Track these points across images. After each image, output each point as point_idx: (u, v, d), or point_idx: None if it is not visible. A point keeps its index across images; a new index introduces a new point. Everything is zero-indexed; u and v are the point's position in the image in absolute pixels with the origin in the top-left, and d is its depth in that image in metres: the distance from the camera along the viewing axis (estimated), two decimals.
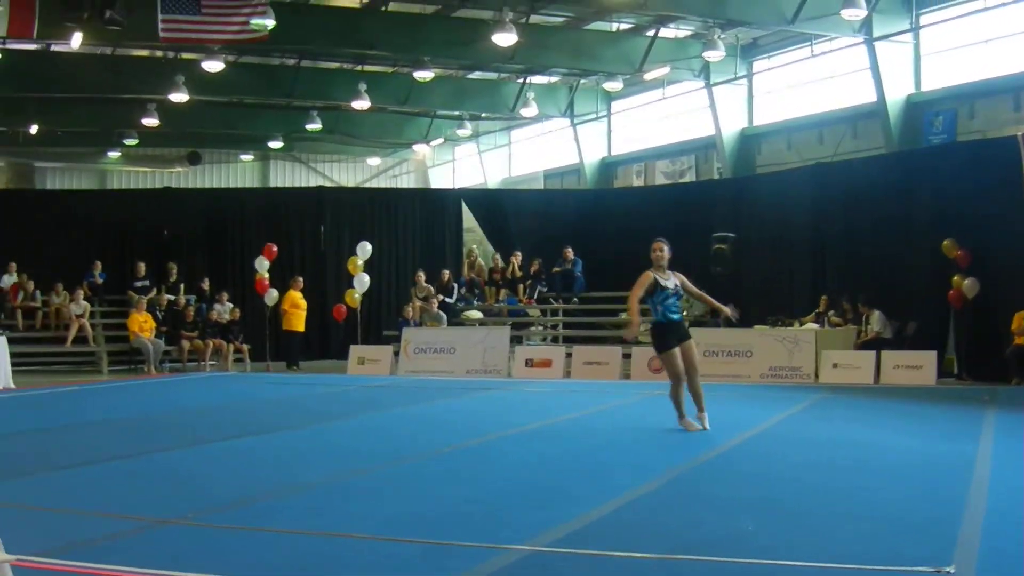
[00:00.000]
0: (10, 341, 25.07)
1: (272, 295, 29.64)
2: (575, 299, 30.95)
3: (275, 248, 30.07)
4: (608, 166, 43.12)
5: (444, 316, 28.72)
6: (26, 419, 18.17)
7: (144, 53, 36.87)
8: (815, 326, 25.40)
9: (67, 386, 24.70)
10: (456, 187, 48.54)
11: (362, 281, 29.73)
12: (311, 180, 51.96)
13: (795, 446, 13.35)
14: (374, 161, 54.10)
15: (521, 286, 31.45)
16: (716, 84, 35.95)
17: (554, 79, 41.37)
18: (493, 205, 36.28)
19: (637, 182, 40.86)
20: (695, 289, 15.13)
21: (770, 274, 28.91)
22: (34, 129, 39.99)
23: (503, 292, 31.66)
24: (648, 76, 36.45)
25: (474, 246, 35.06)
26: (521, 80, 40.25)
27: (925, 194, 24.82)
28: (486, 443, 14.16)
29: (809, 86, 34.16)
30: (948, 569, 7.07)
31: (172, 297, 30.37)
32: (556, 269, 30.93)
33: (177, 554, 7.82)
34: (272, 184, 51.82)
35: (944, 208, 24.09)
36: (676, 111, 39.78)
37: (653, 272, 14.38)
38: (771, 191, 29.72)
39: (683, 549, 7.71)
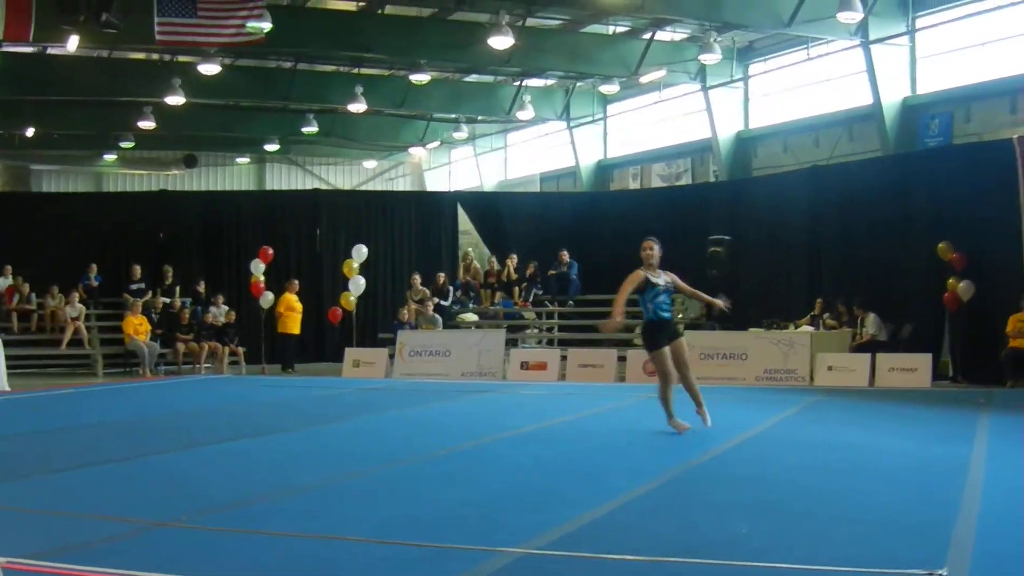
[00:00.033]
0: (5, 344, 25.05)
1: (267, 298, 29.61)
2: (571, 302, 30.96)
3: (271, 251, 30.04)
4: (604, 169, 43.16)
5: (439, 319, 28.72)
6: (21, 422, 18.17)
7: (140, 56, 36.89)
8: (810, 329, 25.41)
9: (62, 389, 24.67)
10: (452, 190, 48.55)
11: (357, 284, 29.71)
12: (307, 183, 51.96)
13: (790, 449, 13.36)
14: (370, 164, 54.15)
15: (517, 289, 31.47)
16: (712, 87, 36.00)
17: (550, 82, 41.43)
18: (489, 208, 36.30)
19: (633, 185, 40.91)
20: (687, 287, 15.14)
21: (766, 277, 28.89)
22: (30, 132, 40.00)
23: (499, 295, 31.68)
24: (644, 79, 36.50)
25: (470, 249, 35.05)
26: (517, 83, 40.30)
27: (921, 197, 24.83)
28: (481, 446, 14.16)
29: (805, 89, 34.17)
30: (941, 572, 7.07)
31: (167, 300, 30.34)
32: (552, 272, 30.95)
33: (172, 557, 7.83)
34: (268, 187, 51.84)
35: (940, 211, 24.09)
36: (672, 114, 39.84)
37: (644, 271, 14.36)
38: (767, 194, 29.73)
39: (677, 552, 7.73)
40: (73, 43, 26.57)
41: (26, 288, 29.84)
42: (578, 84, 40.98)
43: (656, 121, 40.67)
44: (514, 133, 48.79)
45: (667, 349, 14.39)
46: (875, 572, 7.20)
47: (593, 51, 35.05)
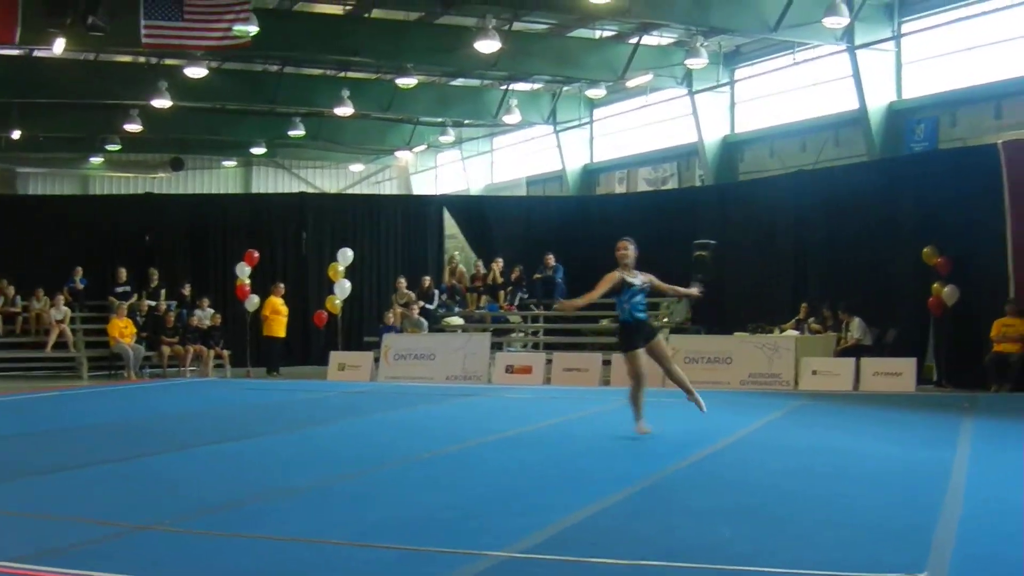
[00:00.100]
0: None
1: (253, 301, 29.56)
2: (556, 306, 30.94)
3: (256, 254, 30.01)
4: (590, 173, 43.21)
5: (425, 322, 28.70)
6: (5, 424, 18.09)
7: (127, 59, 36.86)
8: (795, 333, 25.44)
9: (47, 392, 24.60)
10: (438, 193, 48.46)
11: (343, 287, 29.71)
12: (294, 186, 51.86)
13: (773, 453, 13.37)
14: (356, 167, 54.15)
15: (502, 292, 31.50)
16: (699, 91, 36.09)
17: (537, 86, 41.47)
18: (475, 212, 36.31)
19: (619, 189, 40.96)
20: (662, 284, 14.98)
21: (751, 281, 28.86)
22: (16, 134, 39.93)
23: (484, 298, 31.69)
24: (631, 83, 36.58)
25: (456, 252, 35.06)
26: (504, 87, 40.37)
27: (906, 202, 24.87)
28: (465, 449, 14.15)
29: (791, 94, 34.28)
30: (921, 575, 7.11)
31: (153, 303, 30.30)
32: (537, 276, 30.93)
33: (156, 560, 7.83)
34: (254, 190, 51.75)
35: (925, 216, 24.14)
36: (659, 118, 39.89)
37: (620, 272, 14.31)
38: (753, 198, 29.80)
39: (659, 556, 7.73)
40: (59, 46, 26.54)
41: (11, 291, 29.74)
42: (565, 88, 41.03)
43: (642, 125, 40.72)
44: (500, 137, 48.81)
45: (641, 351, 14.37)
46: None
47: (580, 55, 35.11)
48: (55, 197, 43.49)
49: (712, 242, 28.28)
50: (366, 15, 32.24)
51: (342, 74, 38.78)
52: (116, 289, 30.29)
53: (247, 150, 47.69)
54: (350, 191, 52.82)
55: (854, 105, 30.54)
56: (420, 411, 19.76)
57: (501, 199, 42.48)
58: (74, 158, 48.20)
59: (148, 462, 13.00)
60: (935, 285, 23.38)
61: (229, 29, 25.81)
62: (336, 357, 27.89)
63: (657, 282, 14.77)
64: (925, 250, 23.38)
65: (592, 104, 42.01)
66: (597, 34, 35.34)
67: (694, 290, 15.72)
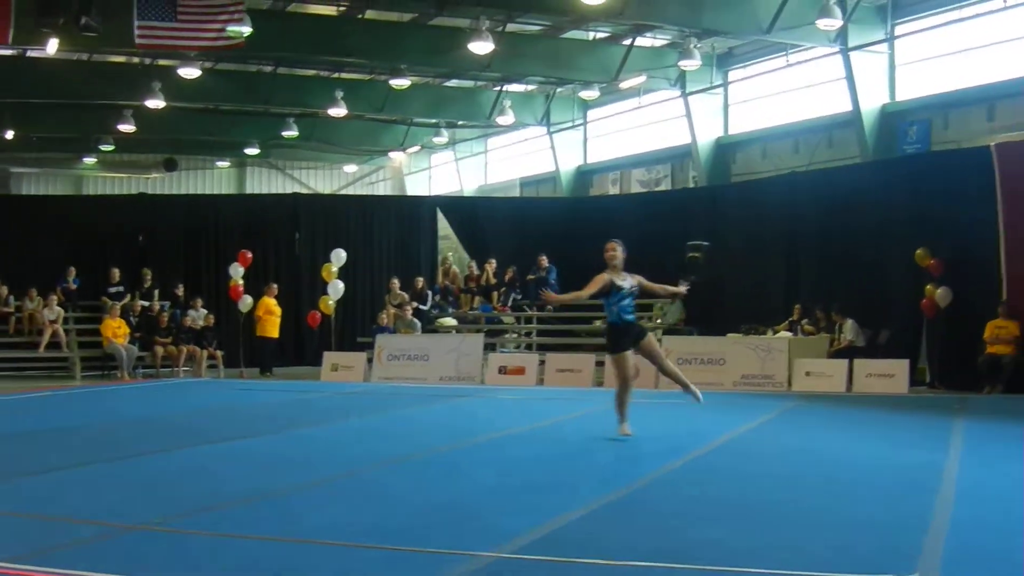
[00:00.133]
0: None
1: (246, 301, 29.54)
2: (549, 307, 30.94)
3: (249, 255, 29.98)
4: (584, 174, 43.24)
5: (418, 323, 28.71)
6: None
7: (120, 59, 36.85)
8: (788, 334, 25.45)
9: (39, 392, 24.57)
10: (432, 194, 48.57)
11: (336, 288, 29.69)
12: (287, 187, 51.92)
13: (765, 454, 13.39)
14: (350, 168, 54.16)
15: (495, 294, 31.48)
16: (692, 93, 36.12)
17: (530, 87, 41.51)
18: (468, 213, 36.32)
19: (613, 190, 40.99)
20: (652, 284, 14.92)
21: (744, 282, 28.88)
22: (10, 135, 39.89)
23: (478, 299, 31.69)
24: (624, 85, 36.59)
25: (449, 253, 35.08)
26: (498, 88, 40.40)
27: (899, 204, 24.84)
28: (457, 450, 14.16)
29: (784, 95, 34.32)
30: None
31: (146, 303, 30.27)
32: (530, 277, 30.88)
33: (144, 560, 7.83)
34: (248, 191, 51.80)
35: (918, 217, 24.11)
36: (652, 120, 39.96)
37: (608, 273, 14.23)
38: (746, 200, 29.80)
39: (650, 557, 7.72)
40: (53, 46, 26.54)
41: (4, 290, 29.66)
42: (558, 90, 41.03)
43: (636, 127, 40.78)
44: (494, 138, 48.85)
45: (630, 353, 14.34)
46: None
47: (573, 57, 35.14)
48: (48, 197, 43.55)
49: (705, 243, 28.43)
50: (360, 16, 32.30)
51: (336, 75, 38.80)
52: (109, 289, 30.25)
53: (241, 151, 47.71)
54: (344, 192, 52.86)
55: (847, 107, 30.57)
56: (412, 412, 19.76)
57: (495, 200, 42.50)
58: (67, 158, 48.19)
59: (139, 462, 13.00)
60: (928, 287, 23.39)
61: (222, 30, 25.79)
62: (329, 358, 27.87)
63: (646, 283, 14.69)
64: (918, 252, 23.38)
65: (586, 105, 42.03)
66: (590, 36, 35.39)
67: (682, 288, 15.62)
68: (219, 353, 29.27)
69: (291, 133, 42.16)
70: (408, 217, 35.39)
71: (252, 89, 38.27)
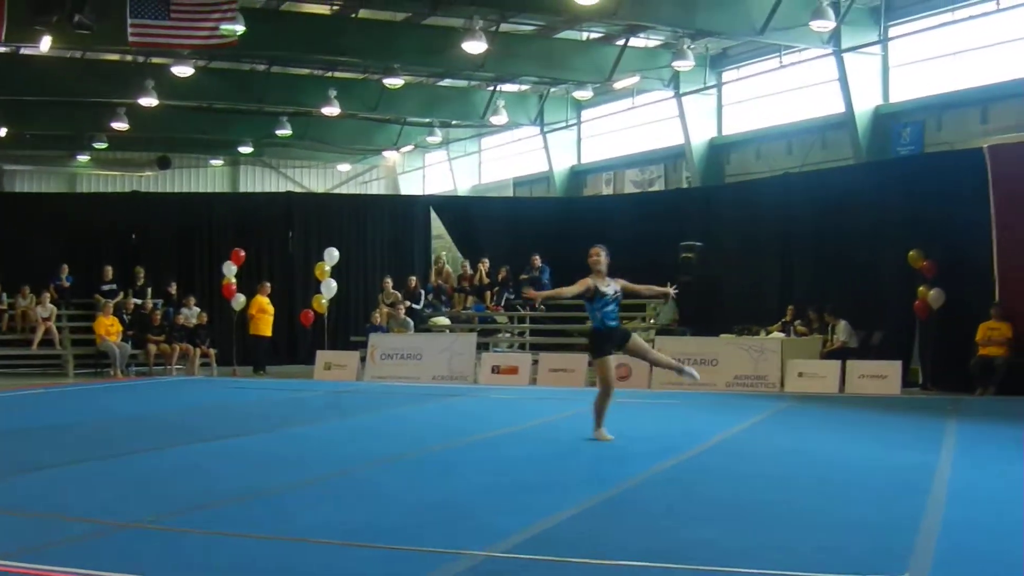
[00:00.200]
0: None
1: (239, 300, 29.53)
2: (542, 307, 30.93)
3: (242, 253, 29.98)
4: (577, 174, 43.26)
5: (411, 322, 28.69)
6: None
7: (114, 57, 36.81)
8: (781, 335, 25.45)
9: (32, 389, 24.58)
10: (426, 194, 48.56)
11: (329, 287, 29.70)
12: (281, 185, 51.86)
13: (758, 455, 13.39)
14: (344, 167, 54.14)
15: (488, 293, 31.49)
16: (685, 94, 36.13)
17: (524, 87, 41.50)
18: (462, 212, 36.36)
19: (606, 190, 41.00)
20: (634, 286, 14.83)
21: (737, 283, 28.95)
22: (3, 132, 39.79)
23: (471, 299, 31.67)
24: (618, 85, 36.65)
25: (442, 253, 35.07)
26: (491, 88, 40.38)
27: (892, 205, 24.85)
28: (450, 449, 14.15)
29: (778, 97, 34.32)
30: None
31: (139, 301, 30.28)
32: (524, 276, 30.83)
33: (137, 558, 7.82)
34: (242, 189, 51.71)
35: (911, 219, 24.13)
36: (645, 120, 39.95)
37: (592, 279, 14.12)
38: (739, 201, 29.83)
39: (642, 556, 7.73)
40: (46, 44, 26.48)
41: None
42: (552, 90, 41.05)
43: (629, 127, 40.77)
44: (488, 138, 48.83)
45: (612, 358, 14.30)
46: None
47: (567, 57, 35.15)
48: (42, 195, 43.43)
49: (698, 244, 28.62)
50: (353, 15, 32.28)
51: (329, 74, 38.79)
52: (102, 287, 30.28)
53: (234, 149, 47.64)
54: (337, 191, 52.85)
55: (840, 108, 30.62)
56: (405, 411, 19.76)
57: (488, 200, 42.56)
58: (61, 156, 48.08)
59: (132, 460, 13.01)
60: (921, 288, 23.40)
61: (216, 28, 25.76)
62: (322, 356, 27.87)
63: (629, 285, 14.59)
64: (911, 253, 23.40)
65: (579, 106, 42.05)
66: (584, 36, 35.39)
67: (670, 290, 15.58)
68: (212, 351, 29.28)
69: (285, 132, 42.11)
70: (401, 216, 35.44)
71: (246, 88, 38.23)
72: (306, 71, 39.32)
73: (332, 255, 29.85)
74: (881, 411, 18.86)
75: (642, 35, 34.48)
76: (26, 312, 29.42)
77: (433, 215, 35.63)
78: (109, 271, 30.56)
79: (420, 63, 35.44)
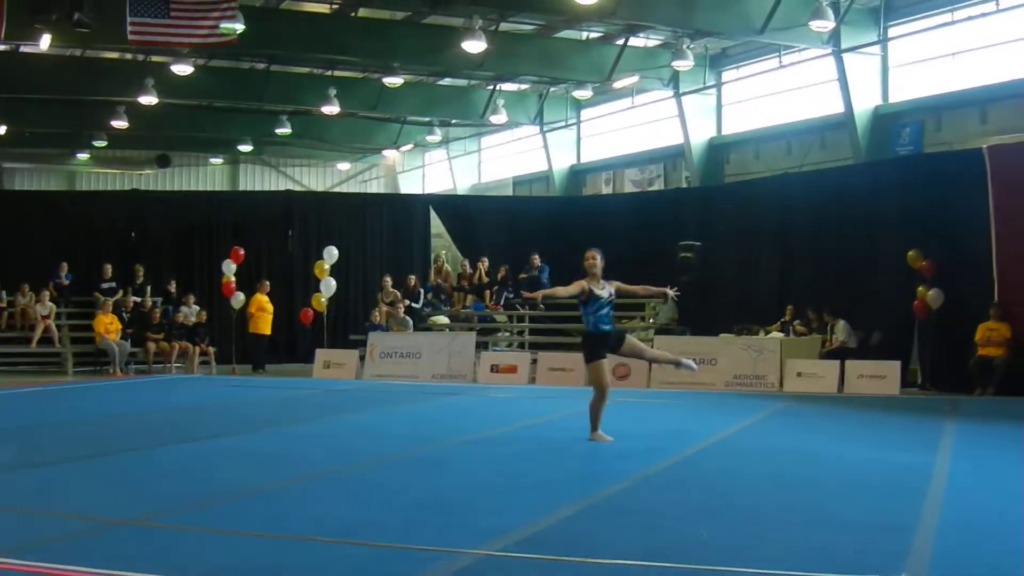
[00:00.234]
0: None
1: (239, 298, 29.55)
2: (541, 306, 30.89)
3: (242, 251, 30.01)
4: (577, 174, 43.24)
5: (410, 321, 28.68)
6: None
7: (114, 55, 36.78)
8: (780, 335, 25.45)
9: (31, 387, 24.59)
10: (425, 193, 48.57)
11: (329, 285, 29.71)
12: (280, 184, 51.80)
13: (756, 455, 13.38)
14: (343, 166, 54.10)
15: (488, 292, 31.48)
16: (685, 93, 36.11)
17: (524, 87, 41.47)
18: (461, 211, 36.39)
19: (606, 190, 41.00)
20: (628, 287, 14.74)
21: (736, 283, 28.96)
22: (2, 130, 39.74)
23: (470, 298, 31.67)
24: (617, 85, 36.64)
25: (442, 252, 35.08)
26: (491, 87, 40.35)
27: (891, 205, 24.87)
28: (446, 448, 14.17)
29: (777, 96, 34.29)
30: None
31: (138, 299, 30.29)
32: (523, 276, 30.83)
33: (133, 555, 7.82)
34: (241, 188, 51.63)
35: (910, 219, 24.17)
36: (645, 120, 39.91)
37: (587, 282, 14.01)
38: (739, 200, 29.83)
39: (639, 555, 7.73)
40: (45, 42, 26.52)
41: None
42: (551, 89, 41.03)
43: (629, 127, 40.74)
44: (487, 137, 48.81)
45: (605, 362, 14.21)
46: None
47: (566, 56, 35.13)
48: (41, 193, 43.33)
49: (697, 244, 28.62)
50: (353, 14, 32.29)
51: (329, 73, 38.75)
52: (102, 285, 30.30)
53: (234, 148, 47.57)
54: (337, 189, 52.78)
55: (840, 109, 30.61)
56: (403, 410, 19.75)
57: (488, 199, 42.60)
58: (60, 154, 48.07)
59: (129, 457, 13.02)
60: (920, 288, 23.41)
61: (215, 27, 25.73)
62: (322, 355, 27.90)
63: (624, 286, 14.49)
64: (910, 253, 23.41)
65: (579, 105, 42.02)
66: (583, 35, 35.36)
67: (667, 289, 15.50)
68: (211, 349, 29.31)
69: (284, 130, 42.06)
70: (401, 215, 35.48)
71: (245, 86, 38.21)
72: (306, 70, 39.30)
73: (331, 254, 29.86)
74: (880, 411, 18.86)
75: (642, 35, 34.46)
76: (25, 310, 29.45)
77: (432, 214, 35.68)
78: (108, 269, 30.59)
79: (420, 62, 35.41)
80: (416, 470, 12.19)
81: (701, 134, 36.43)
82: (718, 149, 36.45)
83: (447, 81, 40.60)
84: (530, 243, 31.71)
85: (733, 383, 23.49)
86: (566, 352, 26.54)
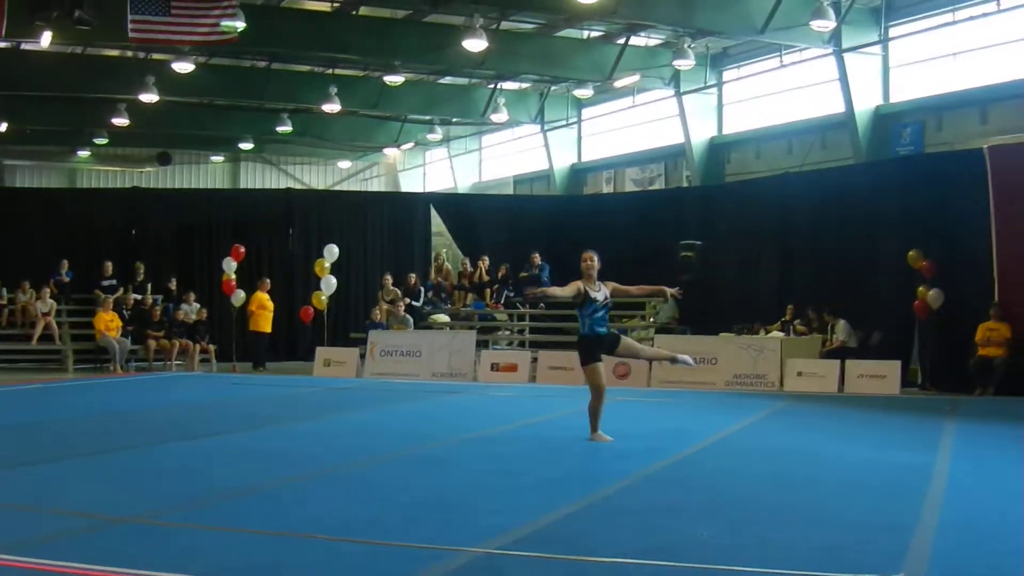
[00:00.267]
0: None
1: (239, 296, 29.57)
2: (541, 304, 30.90)
3: (242, 249, 30.02)
4: (578, 172, 43.25)
5: (411, 319, 28.69)
6: None
7: (114, 53, 36.75)
8: (780, 334, 25.45)
9: (32, 384, 24.60)
10: (426, 191, 48.58)
11: (329, 283, 29.72)
12: (281, 182, 51.83)
13: (755, 454, 13.37)
14: (344, 164, 54.13)
15: (488, 291, 31.47)
16: (686, 93, 36.11)
17: (525, 85, 41.48)
18: (462, 210, 36.39)
19: (606, 189, 41.00)
20: (624, 288, 14.61)
21: (737, 282, 28.98)
22: (3, 127, 39.74)
23: (470, 296, 31.65)
24: (618, 84, 36.65)
25: (442, 250, 35.06)
26: (492, 86, 40.36)
27: (892, 205, 24.88)
28: (446, 446, 14.17)
29: (778, 96, 34.30)
30: None
31: (139, 296, 30.30)
32: (523, 274, 30.80)
33: (132, 552, 7.82)
34: (242, 185, 51.70)
35: (910, 219, 24.18)
36: (646, 119, 39.92)
37: (583, 283, 13.98)
38: (739, 200, 29.85)
39: (636, 554, 7.73)
40: (46, 39, 26.49)
41: None
42: (552, 88, 41.04)
43: (630, 126, 40.75)
44: (488, 136, 48.86)
45: (601, 364, 14.12)
46: None
47: (567, 55, 35.14)
48: (42, 190, 43.31)
49: (697, 243, 28.62)
50: (353, 12, 32.29)
51: (330, 71, 38.74)
52: (102, 282, 30.30)
53: (235, 145, 47.56)
54: (338, 188, 52.75)
55: (841, 108, 30.62)
56: (403, 408, 19.74)
57: (488, 197, 42.61)
58: (61, 151, 48.11)
59: (129, 455, 13.01)
60: (920, 288, 23.41)
61: (216, 24, 25.73)
62: (322, 353, 27.91)
63: (620, 287, 14.38)
64: (910, 253, 23.41)
65: (580, 104, 42.00)
66: (584, 34, 35.38)
67: (666, 288, 15.41)
68: (212, 347, 29.32)
69: (285, 128, 42.12)
70: (401, 213, 35.49)
71: (246, 84, 38.22)
72: (307, 68, 39.28)
73: (332, 252, 29.87)
74: (880, 411, 18.85)
75: (643, 34, 34.48)
76: (26, 307, 29.44)
77: (433, 212, 35.69)
78: (109, 267, 30.58)
79: (421, 60, 35.40)
80: (416, 468, 12.19)
81: (702, 133, 36.45)
82: (719, 148, 36.47)
83: (448, 80, 40.61)
84: (531, 242, 31.70)
85: (733, 382, 23.49)
86: (566, 351, 26.52)
